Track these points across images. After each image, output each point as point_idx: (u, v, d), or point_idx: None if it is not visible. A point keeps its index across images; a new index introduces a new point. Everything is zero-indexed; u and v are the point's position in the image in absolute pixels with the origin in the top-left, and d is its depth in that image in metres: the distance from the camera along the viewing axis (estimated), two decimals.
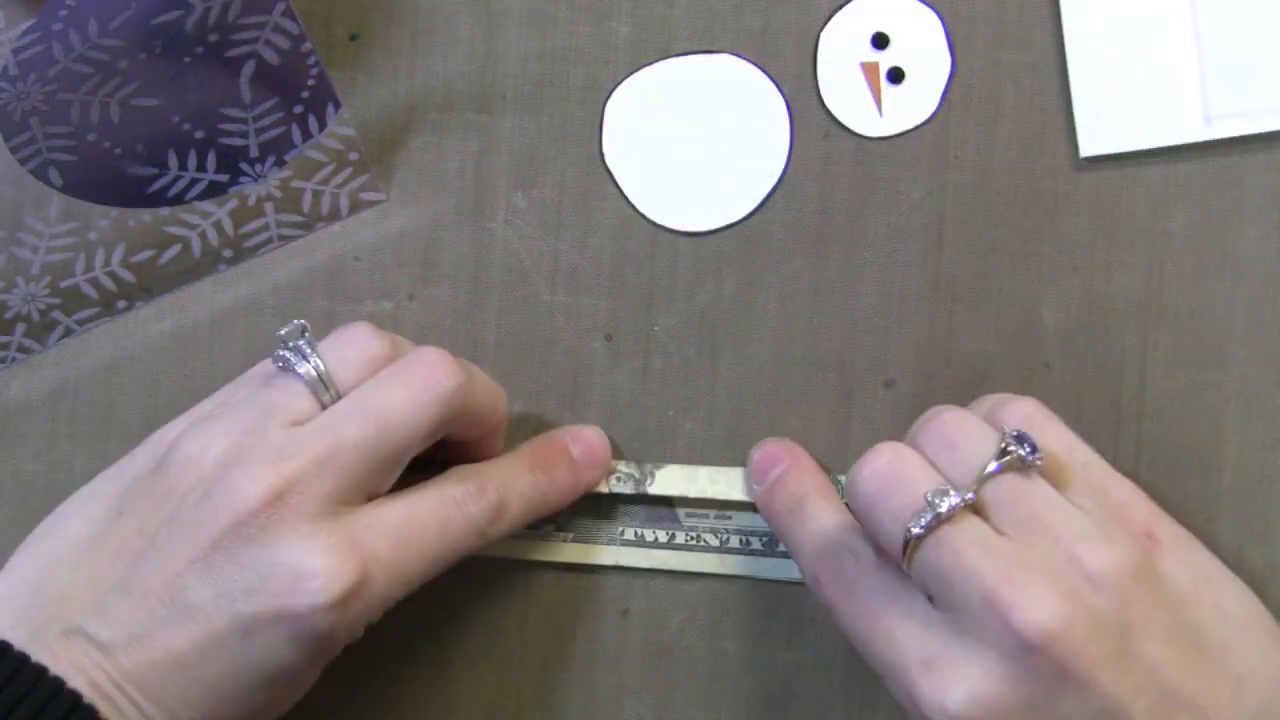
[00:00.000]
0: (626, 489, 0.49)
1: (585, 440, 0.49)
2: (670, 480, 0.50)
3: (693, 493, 0.49)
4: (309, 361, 0.44)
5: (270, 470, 0.42)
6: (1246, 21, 0.49)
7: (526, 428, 0.50)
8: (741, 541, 0.50)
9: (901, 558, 0.42)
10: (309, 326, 0.45)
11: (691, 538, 0.50)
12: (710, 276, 0.50)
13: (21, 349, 0.49)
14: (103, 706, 0.40)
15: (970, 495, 0.42)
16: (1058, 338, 0.50)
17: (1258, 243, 0.50)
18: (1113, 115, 0.49)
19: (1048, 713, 0.40)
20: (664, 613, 0.50)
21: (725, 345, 0.50)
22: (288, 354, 0.44)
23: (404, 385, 0.44)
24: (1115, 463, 0.50)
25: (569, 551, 0.50)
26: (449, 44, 0.50)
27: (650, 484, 0.50)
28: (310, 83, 0.46)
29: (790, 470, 0.48)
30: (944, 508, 0.42)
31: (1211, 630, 0.42)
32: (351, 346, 0.45)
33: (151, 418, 0.50)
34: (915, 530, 0.42)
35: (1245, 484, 0.50)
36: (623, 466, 0.50)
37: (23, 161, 0.46)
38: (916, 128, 0.50)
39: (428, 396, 0.44)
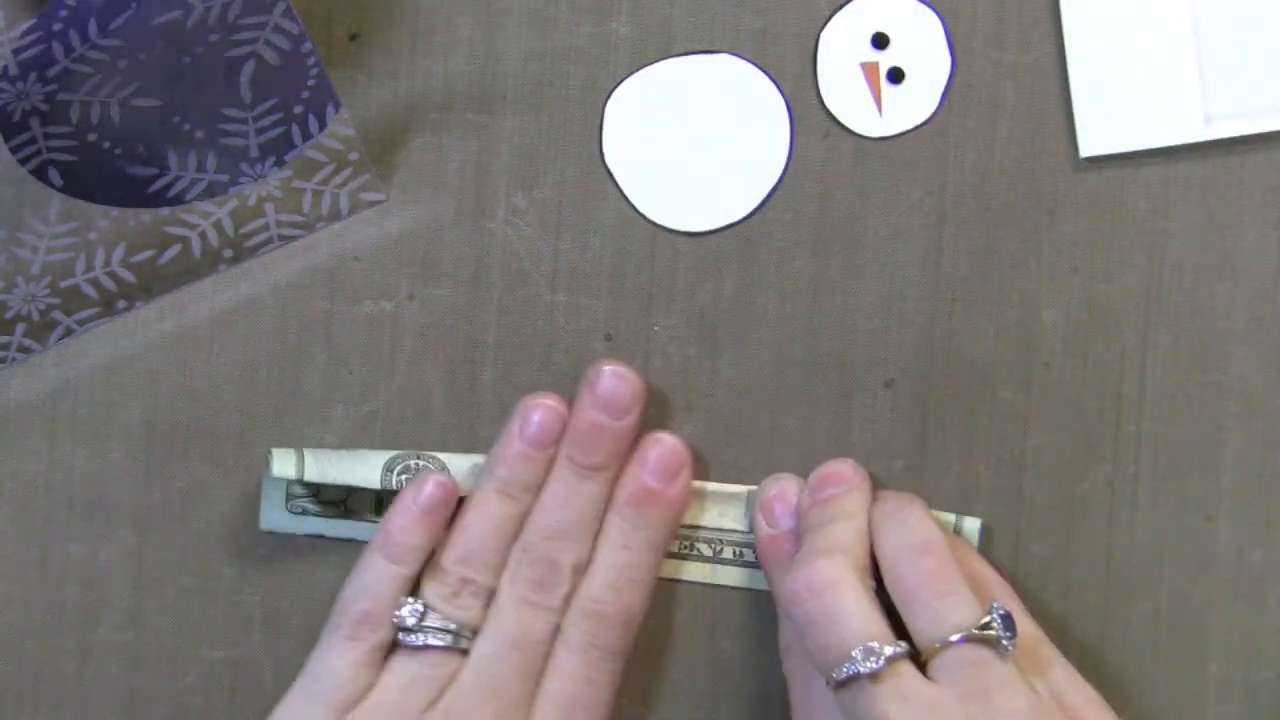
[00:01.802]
0: None
1: (651, 461, 0.49)
2: None
3: (686, 519, 0.49)
4: (445, 630, 0.47)
5: None
6: (1246, 21, 0.49)
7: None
8: (735, 553, 0.50)
9: (829, 688, 0.43)
10: (424, 605, 0.47)
11: (684, 546, 0.50)
12: (710, 276, 0.50)
13: (21, 349, 0.49)
14: None
15: (902, 650, 0.43)
16: (1058, 338, 0.50)
17: (1258, 243, 0.50)
18: (1113, 115, 0.49)
19: None
20: (664, 613, 0.50)
21: (725, 345, 0.50)
22: (421, 639, 0.47)
23: (527, 605, 0.47)
24: (1115, 463, 0.50)
25: None
26: (449, 44, 0.50)
27: None
28: (310, 83, 0.46)
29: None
30: (868, 668, 0.42)
31: None
32: (466, 593, 0.47)
33: (152, 418, 0.50)
34: (836, 676, 0.43)
35: (1245, 484, 0.50)
36: None
37: (23, 161, 0.46)
38: (916, 128, 0.50)
39: (550, 604, 0.47)
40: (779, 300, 0.50)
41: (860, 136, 0.50)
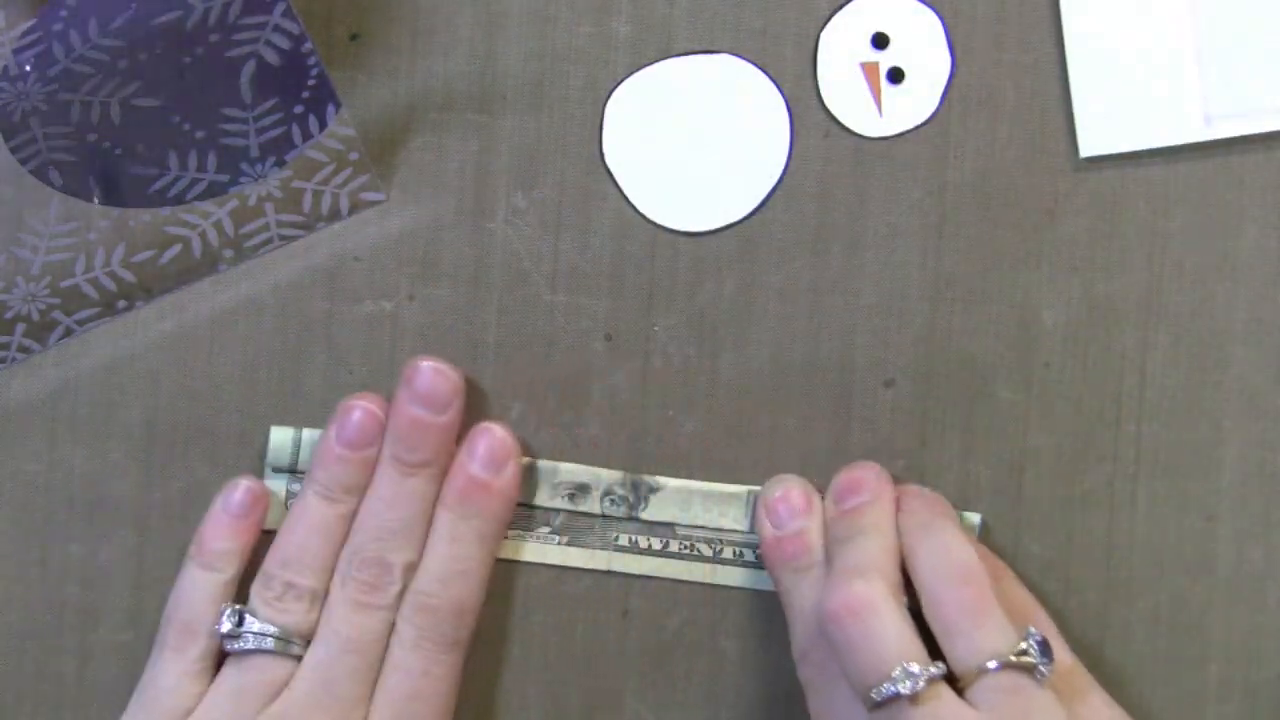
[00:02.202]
0: (619, 512, 0.49)
1: (480, 451, 0.49)
2: (664, 506, 0.49)
3: (685, 520, 0.49)
4: (270, 635, 0.47)
5: None
6: (1246, 22, 0.49)
7: (527, 428, 0.50)
8: (735, 553, 0.50)
9: (864, 706, 0.43)
10: (241, 609, 0.48)
11: (685, 546, 0.50)
12: (710, 276, 0.50)
13: (21, 349, 0.49)
14: None
15: (940, 672, 0.42)
16: (1058, 338, 0.50)
17: (1258, 243, 0.50)
18: (1113, 115, 0.49)
19: None
20: (664, 613, 0.50)
21: (725, 345, 0.50)
22: (243, 644, 0.47)
23: (356, 606, 0.47)
24: (1115, 462, 0.50)
25: (563, 555, 0.50)
26: (449, 44, 0.50)
27: (643, 509, 0.49)
28: (310, 83, 0.46)
29: (813, 529, 0.48)
30: (905, 689, 0.42)
31: None
32: (290, 597, 0.47)
33: (152, 418, 0.50)
34: (875, 697, 0.42)
35: (1245, 484, 0.50)
36: (617, 487, 0.50)
37: (23, 161, 0.46)
38: (916, 128, 0.50)
39: (381, 604, 0.47)
40: (779, 300, 0.50)
41: (860, 136, 0.50)
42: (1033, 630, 0.43)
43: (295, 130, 0.47)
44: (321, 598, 0.48)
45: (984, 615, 0.44)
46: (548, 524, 0.50)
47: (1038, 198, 0.50)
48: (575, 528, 0.50)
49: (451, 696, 0.48)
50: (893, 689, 0.42)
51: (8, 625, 0.50)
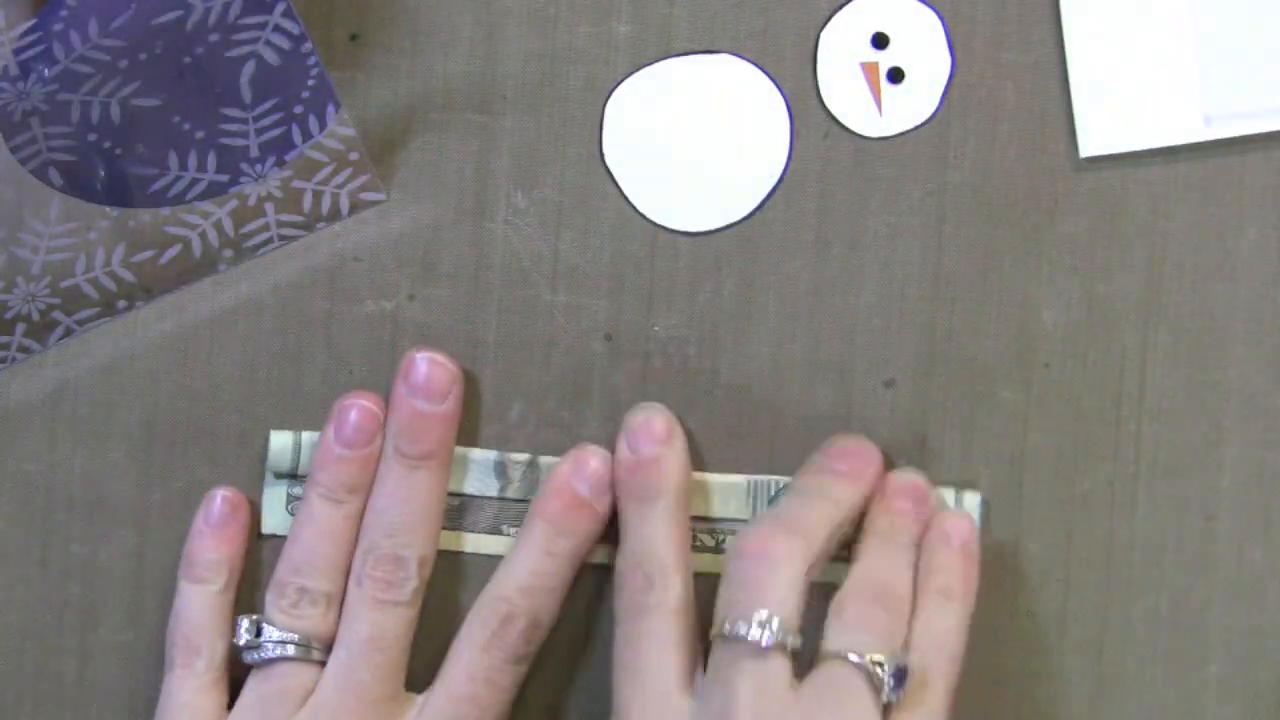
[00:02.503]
0: None
1: (589, 473, 0.48)
2: None
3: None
4: (291, 642, 0.47)
5: None
6: (1246, 22, 0.49)
7: (526, 428, 0.50)
8: None
9: (710, 634, 0.43)
10: (257, 619, 0.48)
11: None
12: (710, 276, 0.50)
13: (21, 349, 0.49)
14: None
15: (789, 640, 0.43)
16: (1058, 338, 0.50)
17: (1258, 243, 0.50)
18: (1113, 115, 0.49)
19: None
20: None
21: (725, 345, 0.50)
22: (264, 654, 0.47)
23: (376, 604, 0.47)
24: (1115, 462, 0.50)
25: None
26: (449, 44, 0.50)
27: None
28: (310, 83, 0.46)
29: (670, 458, 0.48)
30: (755, 636, 0.42)
31: None
32: (307, 601, 0.47)
33: (152, 418, 0.50)
34: (724, 630, 0.43)
35: (1245, 484, 0.50)
36: None
37: (23, 161, 0.46)
38: (916, 128, 0.50)
39: (401, 599, 0.47)
40: (779, 300, 0.50)
41: (860, 136, 0.50)
42: (898, 654, 0.44)
43: (295, 130, 0.47)
44: (338, 601, 0.48)
45: (874, 627, 0.44)
46: None
47: (1038, 198, 0.50)
48: None
49: (507, 713, 0.48)
50: (743, 630, 0.42)
51: (8, 625, 0.50)
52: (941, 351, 0.50)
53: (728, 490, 0.50)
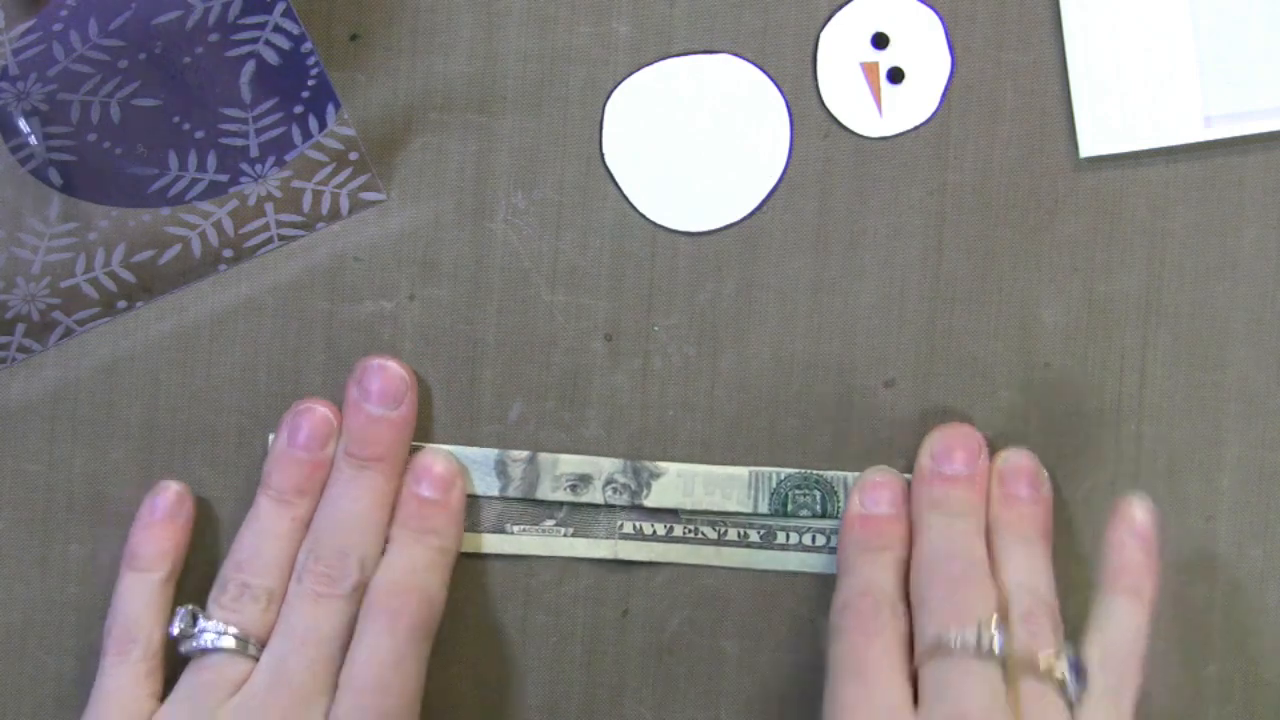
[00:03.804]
0: (622, 500, 0.49)
1: (426, 474, 0.49)
2: (666, 492, 0.50)
3: (689, 505, 0.50)
4: (227, 633, 0.46)
5: None
6: (1246, 22, 0.49)
7: (526, 428, 0.50)
8: (739, 534, 0.50)
9: (923, 651, 0.44)
10: (193, 609, 0.47)
11: (689, 530, 0.50)
12: (710, 276, 0.50)
13: (21, 349, 0.49)
14: None
15: (997, 634, 0.44)
16: (1058, 338, 0.50)
17: (1258, 243, 0.50)
18: (1113, 115, 0.49)
19: None
20: (664, 613, 0.50)
21: (725, 345, 0.50)
22: (198, 644, 0.47)
23: (313, 601, 0.47)
24: (1115, 462, 0.50)
25: (569, 546, 0.50)
26: (449, 44, 0.50)
27: (646, 495, 0.50)
28: (310, 83, 0.46)
29: (896, 519, 0.48)
30: (989, 645, 0.44)
31: None
32: (246, 599, 0.47)
33: (151, 418, 0.50)
34: (951, 642, 0.44)
35: (1245, 484, 0.50)
36: (619, 475, 0.50)
37: (23, 161, 0.46)
38: (916, 128, 0.50)
39: (337, 598, 0.47)
40: (779, 300, 0.50)
41: (860, 136, 0.50)
42: (1070, 658, 0.45)
43: (295, 130, 0.47)
44: (279, 600, 0.47)
45: (1043, 623, 0.45)
46: (552, 516, 0.50)
47: (1038, 198, 0.50)
48: (579, 519, 0.50)
49: (419, 694, 0.47)
50: (970, 638, 0.43)
51: (8, 625, 0.50)
52: (941, 351, 0.50)
53: (729, 482, 0.50)
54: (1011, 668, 0.44)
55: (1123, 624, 0.46)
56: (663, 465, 0.50)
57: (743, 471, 0.50)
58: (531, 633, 0.50)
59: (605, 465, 0.50)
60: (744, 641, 0.50)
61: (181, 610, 0.47)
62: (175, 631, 0.47)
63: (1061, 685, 0.44)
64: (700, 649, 0.50)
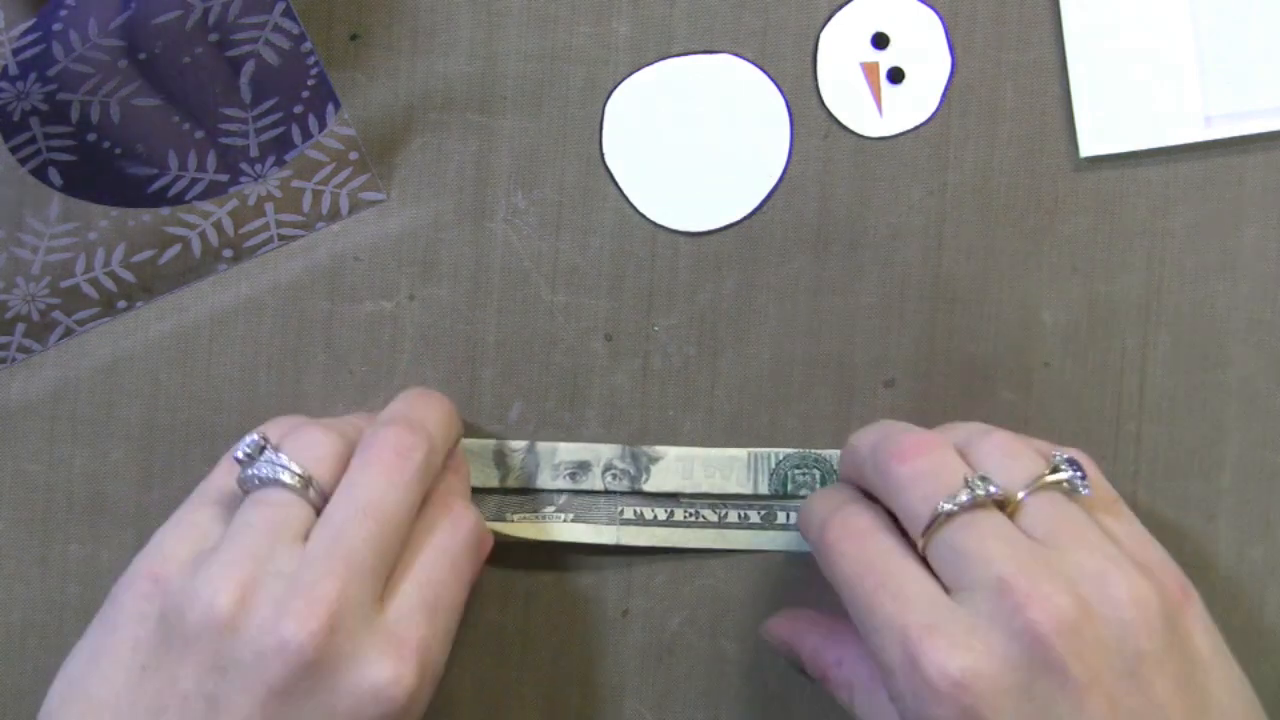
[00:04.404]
0: (622, 486, 0.50)
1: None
2: (666, 476, 0.50)
3: (688, 488, 0.50)
4: (289, 469, 0.44)
5: (307, 608, 0.41)
6: (1246, 22, 0.49)
7: (526, 428, 0.50)
8: (740, 516, 0.50)
9: (921, 535, 0.42)
10: (268, 438, 0.44)
11: (690, 514, 0.50)
12: (710, 276, 0.50)
13: (21, 349, 0.49)
14: None
15: (1000, 493, 0.42)
16: (1058, 338, 0.50)
17: (1258, 243, 0.50)
18: (1113, 115, 0.49)
19: (1041, 709, 0.40)
20: (664, 613, 0.50)
21: (725, 345, 0.50)
22: (262, 468, 0.44)
23: (381, 470, 0.44)
24: (1115, 462, 0.50)
25: (569, 531, 0.50)
26: (449, 44, 0.50)
27: (645, 480, 0.50)
28: (310, 83, 0.46)
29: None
30: (981, 491, 0.42)
31: (1218, 699, 0.41)
32: (315, 445, 0.44)
33: (151, 418, 0.50)
34: (946, 507, 0.42)
35: (1245, 484, 0.50)
36: (617, 461, 0.50)
37: (23, 161, 0.46)
38: (916, 128, 0.50)
39: (407, 472, 0.44)
40: (779, 300, 0.50)
41: (860, 136, 0.50)
42: (1058, 454, 0.44)
43: (295, 130, 0.47)
44: (345, 461, 0.45)
45: (1017, 453, 0.44)
46: (552, 503, 0.50)
47: (1038, 198, 0.50)
48: (580, 505, 0.50)
49: (460, 612, 0.46)
50: (969, 495, 0.42)
51: (8, 625, 0.50)
52: (941, 351, 0.50)
53: (728, 464, 0.50)
54: (1011, 499, 0.43)
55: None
56: (661, 449, 0.50)
57: (741, 453, 0.50)
58: (531, 633, 0.50)
59: (604, 452, 0.50)
60: (744, 641, 0.50)
61: (252, 437, 0.44)
62: (239, 455, 0.44)
63: (1070, 489, 0.43)
64: (700, 649, 0.50)
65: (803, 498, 0.50)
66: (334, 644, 0.41)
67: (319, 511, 0.44)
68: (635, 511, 0.50)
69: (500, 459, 0.50)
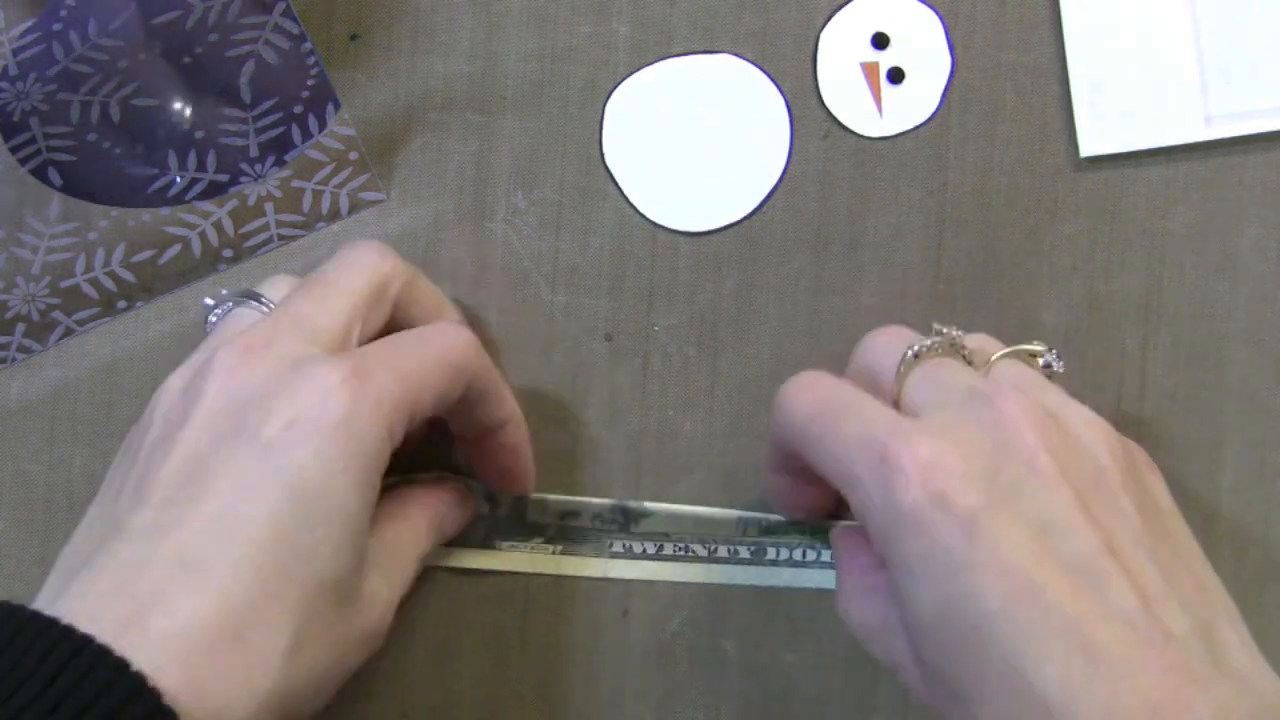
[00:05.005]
0: (611, 530, 0.50)
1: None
2: (655, 527, 0.49)
3: (676, 533, 0.50)
4: (260, 298, 0.44)
5: (268, 324, 0.41)
6: (1246, 21, 0.49)
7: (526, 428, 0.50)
8: (729, 551, 0.50)
9: (893, 383, 0.42)
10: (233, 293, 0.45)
11: (680, 549, 0.50)
12: (710, 276, 0.50)
13: (21, 349, 0.49)
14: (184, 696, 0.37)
15: (955, 332, 0.43)
16: (1058, 338, 0.50)
17: (1258, 243, 0.50)
18: (1113, 115, 0.49)
19: (1010, 489, 0.39)
20: (664, 613, 0.50)
21: (725, 345, 0.50)
22: (228, 298, 0.44)
23: (347, 261, 0.44)
24: None
25: (558, 564, 0.50)
26: (449, 44, 0.50)
27: (635, 528, 0.50)
28: (310, 83, 0.46)
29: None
30: (941, 336, 0.42)
31: (1184, 540, 0.42)
32: (284, 286, 0.44)
33: None
34: (916, 348, 0.42)
35: (1245, 484, 0.50)
36: (606, 512, 0.50)
37: (23, 161, 0.46)
38: (916, 128, 0.50)
39: (373, 267, 0.44)
40: (779, 300, 0.50)
41: (860, 136, 0.50)
42: (1037, 343, 0.45)
43: (295, 130, 0.47)
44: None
45: (998, 344, 0.45)
46: (541, 534, 0.50)
47: (1038, 198, 0.50)
48: (570, 537, 0.50)
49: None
50: (929, 342, 0.42)
51: None
52: None
53: (716, 523, 0.50)
54: (983, 360, 0.43)
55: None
56: (650, 506, 0.50)
57: (731, 515, 0.50)
58: (531, 633, 0.50)
59: (593, 504, 0.50)
60: (744, 641, 0.50)
61: (223, 291, 0.45)
62: (211, 301, 0.44)
63: (1045, 368, 0.44)
64: (700, 649, 0.50)
65: (791, 560, 0.49)
66: (285, 341, 0.40)
67: None
68: (624, 545, 0.50)
69: (490, 496, 0.49)
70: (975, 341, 0.45)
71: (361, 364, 0.40)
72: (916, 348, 0.42)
